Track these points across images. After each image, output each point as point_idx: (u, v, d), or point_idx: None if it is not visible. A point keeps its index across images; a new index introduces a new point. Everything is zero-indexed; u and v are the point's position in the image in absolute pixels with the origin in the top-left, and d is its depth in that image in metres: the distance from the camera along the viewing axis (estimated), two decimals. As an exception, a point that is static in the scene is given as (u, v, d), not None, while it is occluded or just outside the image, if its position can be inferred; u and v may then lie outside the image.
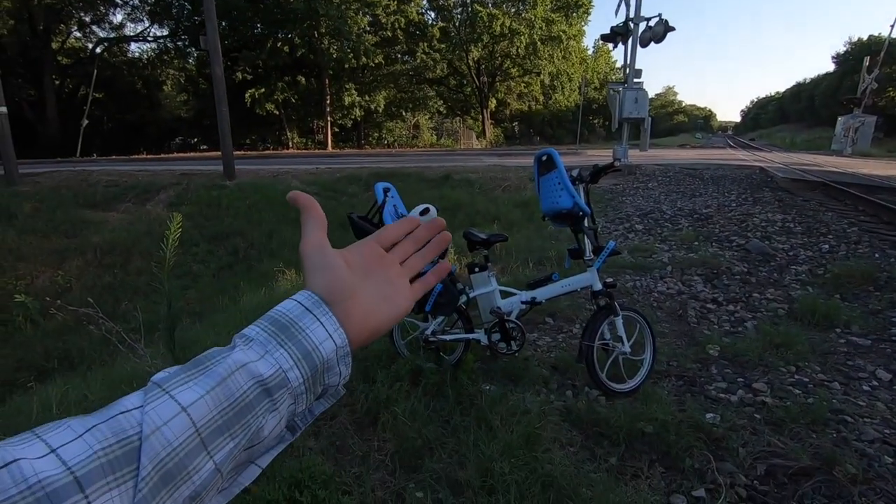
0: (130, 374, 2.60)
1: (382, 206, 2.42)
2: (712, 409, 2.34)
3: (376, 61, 28.18)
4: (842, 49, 48.64)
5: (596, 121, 44.08)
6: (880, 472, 1.88)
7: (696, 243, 5.45)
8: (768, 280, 4.30)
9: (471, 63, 32.80)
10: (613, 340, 2.57)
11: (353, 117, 30.75)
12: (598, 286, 2.53)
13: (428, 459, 2.00)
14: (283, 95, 28.54)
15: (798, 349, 2.95)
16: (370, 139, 34.29)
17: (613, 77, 41.73)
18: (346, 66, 27.28)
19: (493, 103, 35.90)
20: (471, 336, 2.59)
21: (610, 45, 12.92)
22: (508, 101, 38.17)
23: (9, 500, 0.23)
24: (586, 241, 2.54)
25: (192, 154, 26.78)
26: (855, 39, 46.89)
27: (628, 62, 11.77)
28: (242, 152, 24.78)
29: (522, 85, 36.62)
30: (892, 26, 29.18)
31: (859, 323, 3.36)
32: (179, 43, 30.08)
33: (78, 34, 30.01)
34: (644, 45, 11.54)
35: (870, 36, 44.52)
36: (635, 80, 11.64)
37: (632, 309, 2.66)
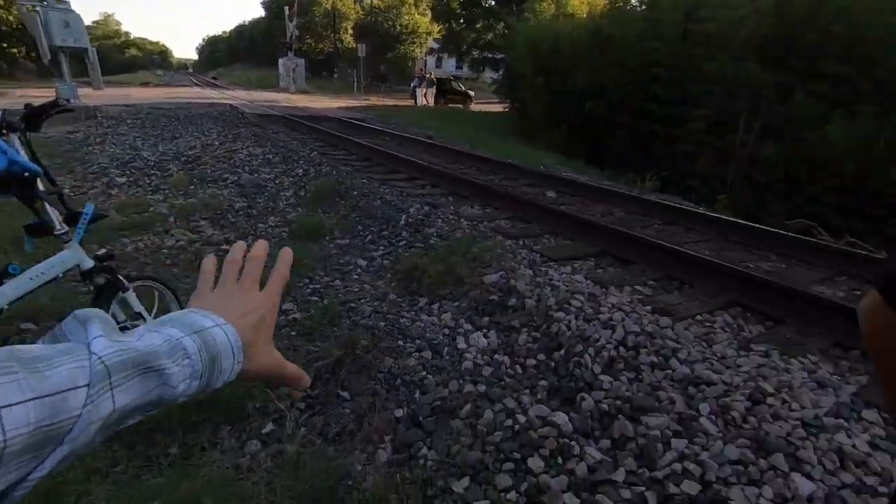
0: None
1: None
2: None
3: None
4: (268, -4, 55.25)
5: (16, 50, 32.88)
6: (384, 335, 2.49)
7: (192, 187, 5.26)
8: (267, 209, 4.70)
9: None
10: (131, 320, 2.16)
11: None
12: (88, 263, 2.00)
13: None
14: None
15: (306, 262, 3.42)
16: None
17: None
18: None
19: None
20: None
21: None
22: None
23: None
24: (50, 210, 1.90)
25: None
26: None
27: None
28: None
29: None
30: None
31: (338, 228, 4.23)
32: None
33: None
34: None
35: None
36: (57, -3, 9.32)
37: (143, 276, 2.30)
